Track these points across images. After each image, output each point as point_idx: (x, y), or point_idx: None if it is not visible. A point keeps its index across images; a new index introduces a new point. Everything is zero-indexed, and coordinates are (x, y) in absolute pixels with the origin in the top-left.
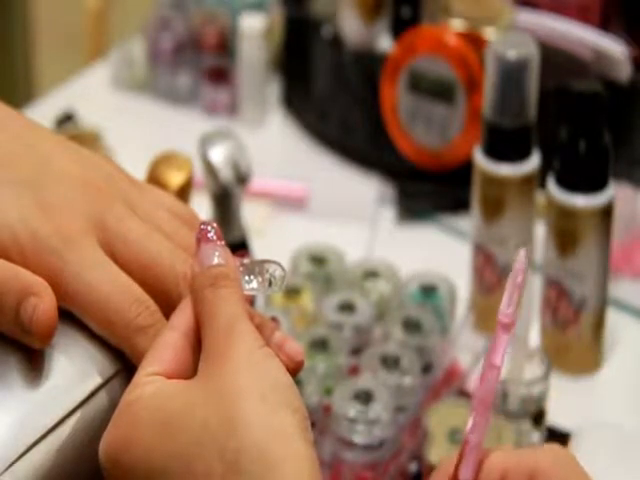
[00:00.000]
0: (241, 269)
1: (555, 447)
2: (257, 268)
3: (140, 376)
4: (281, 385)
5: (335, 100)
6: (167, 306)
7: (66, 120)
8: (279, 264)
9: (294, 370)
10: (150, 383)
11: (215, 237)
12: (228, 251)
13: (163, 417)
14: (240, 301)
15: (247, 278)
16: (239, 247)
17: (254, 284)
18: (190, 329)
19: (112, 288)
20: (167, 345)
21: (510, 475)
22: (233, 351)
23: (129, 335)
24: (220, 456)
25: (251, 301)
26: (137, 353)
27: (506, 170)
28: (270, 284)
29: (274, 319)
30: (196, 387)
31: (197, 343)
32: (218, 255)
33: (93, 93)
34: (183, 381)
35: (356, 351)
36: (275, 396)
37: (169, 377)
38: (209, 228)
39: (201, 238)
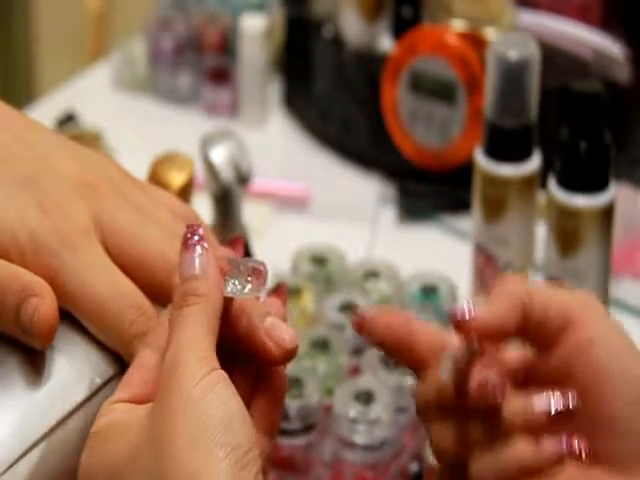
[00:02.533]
0: (227, 270)
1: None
2: (243, 268)
3: (105, 405)
4: (215, 425)
5: (336, 100)
6: (162, 301)
7: (67, 120)
8: (262, 262)
9: (284, 358)
10: (108, 413)
11: (198, 241)
12: (210, 255)
13: (111, 461)
14: (201, 318)
15: (233, 280)
16: None
17: (238, 283)
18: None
19: (110, 292)
20: (140, 366)
21: (549, 313)
22: (172, 390)
23: (125, 341)
24: None
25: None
26: (133, 359)
27: (507, 170)
28: (257, 283)
29: (279, 288)
30: (143, 427)
31: None
32: (198, 263)
33: (94, 93)
34: (137, 415)
35: (357, 351)
36: (207, 439)
37: (138, 401)
38: (189, 234)
39: (183, 245)
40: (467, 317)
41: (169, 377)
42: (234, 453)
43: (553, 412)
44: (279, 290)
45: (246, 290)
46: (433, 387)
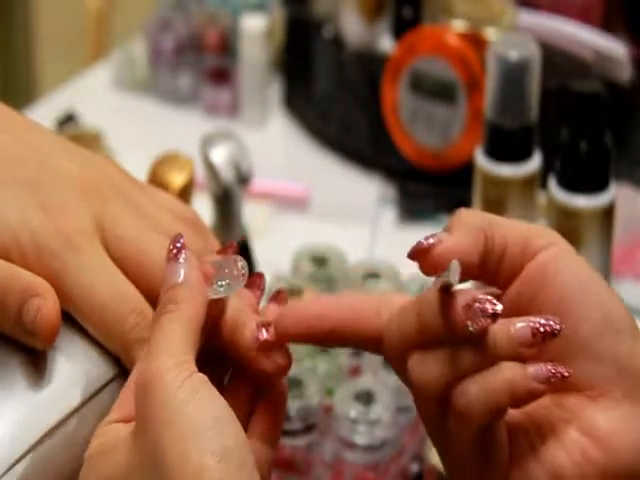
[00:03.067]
0: (214, 271)
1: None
2: (226, 266)
3: (99, 426)
4: (203, 430)
5: (336, 100)
6: None
7: (67, 120)
8: (238, 257)
9: (277, 373)
10: (102, 435)
11: (179, 250)
12: (192, 262)
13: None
14: (176, 325)
15: (221, 279)
16: (240, 248)
17: (227, 282)
18: None
19: (111, 295)
20: (131, 385)
21: (510, 242)
22: (153, 400)
23: (125, 345)
24: None
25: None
26: (132, 364)
27: (507, 171)
28: (242, 277)
29: (279, 294)
30: (130, 444)
31: None
32: (180, 272)
33: (94, 94)
34: (125, 434)
35: (357, 352)
36: (198, 447)
37: (130, 421)
38: (171, 245)
39: (167, 256)
40: (433, 248)
41: (148, 388)
42: (228, 455)
43: (540, 334)
44: (279, 297)
45: (231, 285)
46: (409, 322)
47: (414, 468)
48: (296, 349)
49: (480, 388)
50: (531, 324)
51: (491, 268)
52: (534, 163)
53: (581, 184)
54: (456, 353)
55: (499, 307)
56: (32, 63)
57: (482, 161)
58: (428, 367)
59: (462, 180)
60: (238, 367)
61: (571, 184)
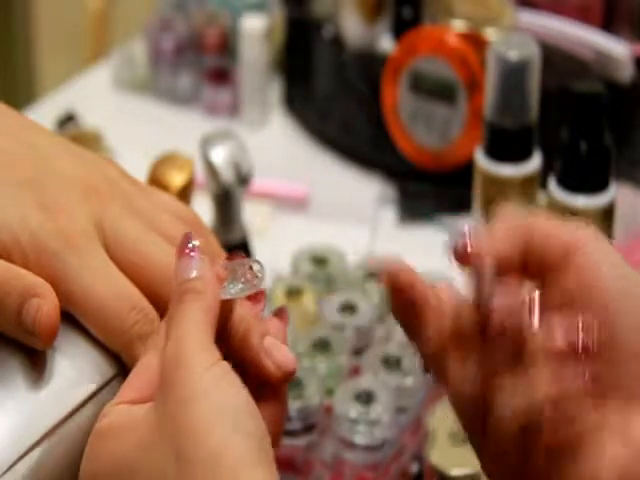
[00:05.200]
0: (224, 273)
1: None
2: (239, 269)
3: (107, 406)
4: (230, 411)
5: (336, 101)
6: (162, 308)
7: (67, 121)
8: (258, 261)
9: (283, 379)
10: (112, 414)
11: (193, 248)
12: (206, 262)
13: (120, 458)
14: (199, 312)
15: (231, 284)
16: (240, 248)
17: (239, 286)
18: None
19: (111, 293)
20: (143, 368)
21: (551, 241)
22: (179, 381)
23: (126, 342)
24: None
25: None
26: (134, 361)
27: (507, 171)
28: (255, 284)
29: (281, 311)
30: (151, 422)
31: None
32: (195, 268)
33: (94, 94)
34: (143, 412)
35: (357, 352)
36: (223, 426)
37: (140, 402)
38: (185, 242)
39: (178, 252)
40: (471, 249)
41: (174, 369)
42: (251, 439)
43: (580, 344)
44: (280, 313)
45: (244, 288)
46: (447, 325)
47: (414, 468)
48: (296, 349)
49: (521, 392)
50: (571, 331)
51: (531, 268)
52: (534, 163)
53: (581, 184)
54: (495, 355)
55: (535, 322)
56: (32, 63)
57: (482, 161)
58: (463, 372)
59: (462, 180)
60: (239, 370)
61: (571, 184)
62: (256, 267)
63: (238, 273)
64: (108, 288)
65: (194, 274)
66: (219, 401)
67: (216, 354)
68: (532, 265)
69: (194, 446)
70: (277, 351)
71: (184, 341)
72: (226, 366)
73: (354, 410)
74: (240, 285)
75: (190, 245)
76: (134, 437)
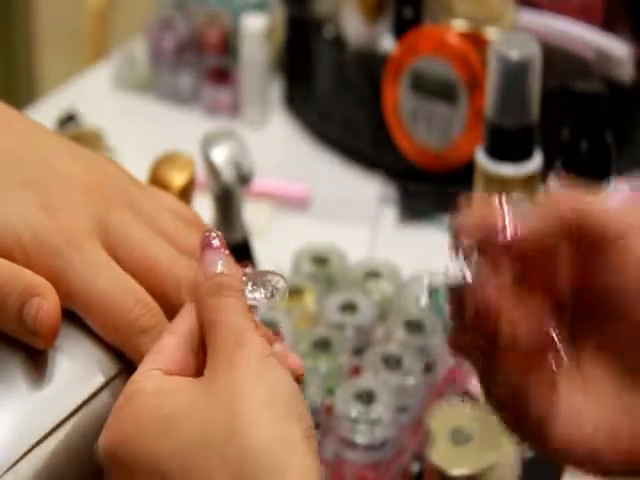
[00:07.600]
0: (244, 279)
1: None
2: (259, 279)
3: (140, 372)
4: (287, 394)
5: (337, 100)
6: (167, 310)
7: (68, 120)
8: (281, 275)
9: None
10: (151, 378)
11: (219, 245)
12: (232, 260)
13: (164, 413)
14: (246, 311)
15: (250, 289)
16: (241, 248)
17: (256, 295)
18: (190, 334)
19: (115, 289)
20: (166, 347)
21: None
22: (241, 358)
23: (131, 336)
24: (222, 459)
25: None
26: (139, 354)
27: (508, 170)
28: (272, 295)
29: (277, 332)
30: (200, 387)
31: (198, 348)
32: (222, 264)
33: (95, 93)
34: (185, 378)
35: (358, 351)
36: (281, 405)
37: (170, 374)
38: (213, 235)
39: (205, 245)
40: (510, 238)
41: (236, 349)
42: (303, 423)
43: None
44: (275, 335)
45: (259, 300)
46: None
47: (415, 468)
48: (297, 349)
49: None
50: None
51: (579, 245)
52: (535, 163)
53: (582, 184)
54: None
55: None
56: (33, 63)
57: (483, 161)
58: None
59: (463, 180)
60: None
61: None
62: (280, 284)
63: (258, 281)
64: (111, 284)
65: (220, 269)
66: (278, 384)
67: (269, 347)
68: (581, 244)
69: (249, 427)
70: (288, 357)
71: (247, 328)
72: (276, 360)
73: (355, 410)
74: (257, 295)
75: (215, 241)
76: (178, 398)
